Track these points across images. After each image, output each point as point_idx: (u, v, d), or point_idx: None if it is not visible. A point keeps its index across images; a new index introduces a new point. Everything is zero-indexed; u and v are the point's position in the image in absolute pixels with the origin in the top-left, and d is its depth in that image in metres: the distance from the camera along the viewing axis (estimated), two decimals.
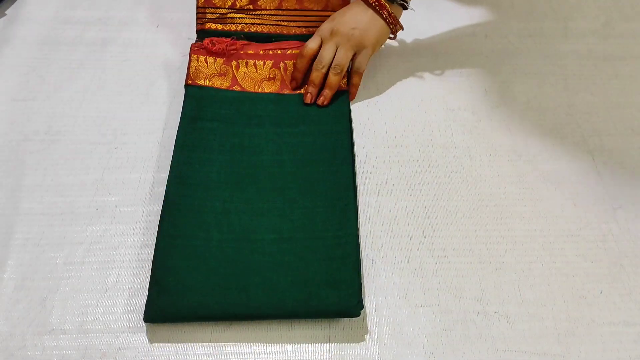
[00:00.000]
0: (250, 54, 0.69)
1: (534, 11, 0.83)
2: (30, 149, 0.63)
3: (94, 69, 0.72)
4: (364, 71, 0.67)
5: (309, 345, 0.49)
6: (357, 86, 0.68)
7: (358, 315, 0.49)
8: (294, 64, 0.67)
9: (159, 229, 0.53)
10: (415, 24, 0.77)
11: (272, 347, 0.49)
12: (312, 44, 0.66)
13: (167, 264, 0.51)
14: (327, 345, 0.49)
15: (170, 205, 0.55)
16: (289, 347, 0.49)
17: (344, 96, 0.67)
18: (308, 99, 0.65)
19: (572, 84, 0.72)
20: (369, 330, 0.50)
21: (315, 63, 0.66)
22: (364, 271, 0.54)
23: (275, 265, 0.51)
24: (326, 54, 0.65)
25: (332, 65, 0.65)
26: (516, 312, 0.51)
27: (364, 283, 0.53)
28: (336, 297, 0.49)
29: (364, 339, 0.50)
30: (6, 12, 0.79)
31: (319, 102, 0.65)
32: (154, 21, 0.79)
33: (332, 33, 0.65)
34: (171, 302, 0.49)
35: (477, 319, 0.51)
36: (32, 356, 0.48)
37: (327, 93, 0.65)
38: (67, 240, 0.55)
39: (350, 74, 0.67)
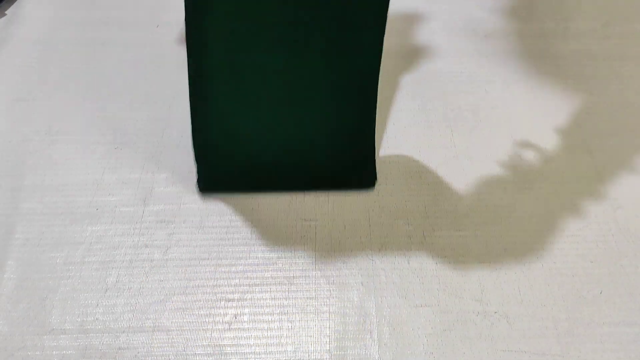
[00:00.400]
0: None
1: (534, 11, 0.83)
2: (30, 149, 0.63)
3: (94, 68, 0.72)
4: None
5: (309, 345, 0.49)
6: None
7: (373, 186, 0.56)
8: None
9: (191, 96, 0.54)
10: (415, 25, 0.77)
11: (272, 348, 0.49)
12: None
13: (205, 138, 0.54)
14: (327, 345, 0.49)
15: (209, 70, 0.54)
16: (289, 347, 0.49)
17: None
18: None
19: (572, 84, 0.72)
20: (369, 330, 0.50)
21: None
22: (364, 271, 0.54)
23: (302, 137, 0.55)
24: None
25: None
26: (516, 312, 0.51)
27: (365, 283, 0.53)
28: (354, 168, 0.56)
29: (364, 339, 0.50)
30: (6, 12, 0.79)
31: None
32: (154, 21, 0.79)
33: None
34: (215, 174, 0.55)
35: (477, 319, 0.51)
36: (32, 356, 0.48)
37: None
38: (67, 240, 0.55)
39: None
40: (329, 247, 0.56)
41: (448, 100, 0.69)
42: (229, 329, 0.50)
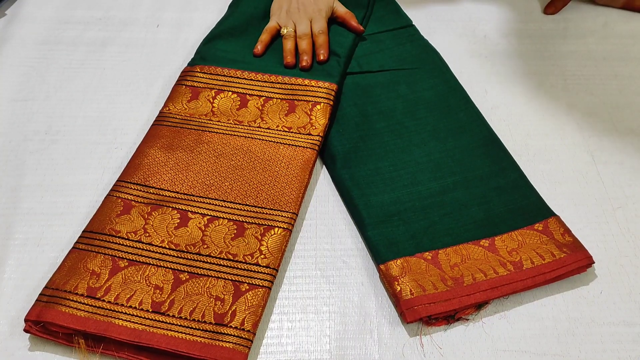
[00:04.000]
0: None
1: (534, 11, 0.83)
2: (30, 149, 0.63)
3: (94, 69, 0.72)
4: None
5: (309, 345, 0.49)
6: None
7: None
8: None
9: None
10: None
11: (273, 348, 0.49)
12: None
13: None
14: (328, 345, 0.49)
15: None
16: (289, 347, 0.49)
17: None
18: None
19: (572, 84, 0.72)
20: (370, 330, 0.50)
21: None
22: (364, 271, 0.54)
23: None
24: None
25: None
26: (516, 312, 0.51)
27: (365, 283, 0.53)
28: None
29: (364, 339, 0.50)
30: (6, 12, 0.79)
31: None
32: (154, 21, 0.79)
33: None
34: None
35: (477, 318, 0.51)
36: (32, 356, 0.48)
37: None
38: (67, 240, 0.55)
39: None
40: (329, 246, 0.56)
41: None
42: None
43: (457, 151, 0.61)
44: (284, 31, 0.71)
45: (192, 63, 0.68)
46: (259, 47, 0.70)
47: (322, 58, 0.68)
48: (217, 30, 0.72)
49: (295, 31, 0.71)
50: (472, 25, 0.80)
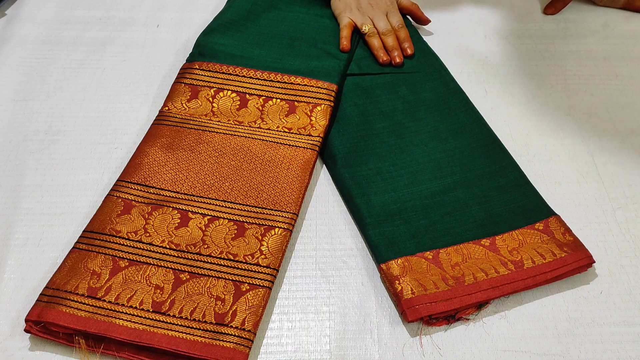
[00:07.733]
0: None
1: (534, 12, 0.83)
2: (30, 149, 0.63)
3: (94, 69, 0.72)
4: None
5: (309, 345, 0.49)
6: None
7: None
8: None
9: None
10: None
11: (273, 348, 0.49)
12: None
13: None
14: (328, 345, 0.49)
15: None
16: (289, 347, 0.49)
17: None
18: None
19: (572, 84, 0.72)
20: (370, 330, 0.50)
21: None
22: (364, 271, 0.54)
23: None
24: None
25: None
26: (516, 312, 0.51)
27: (365, 283, 0.53)
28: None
29: (364, 339, 0.50)
30: (6, 12, 0.79)
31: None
32: (154, 21, 0.79)
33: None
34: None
35: (476, 319, 0.51)
36: (32, 356, 0.48)
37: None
38: (67, 240, 0.55)
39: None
40: (329, 246, 0.56)
41: None
42: None
43: (458, 151, 0.61)
44: (365, 29, 0.70)
45: (191, 59, 0.68)
46: (345, 43, 0.69)
47: (409, 52, 0.68)
48: (215, 24, 0.72)
49: (375, 27, 0.70)
50: (472, 25, 0.80)
